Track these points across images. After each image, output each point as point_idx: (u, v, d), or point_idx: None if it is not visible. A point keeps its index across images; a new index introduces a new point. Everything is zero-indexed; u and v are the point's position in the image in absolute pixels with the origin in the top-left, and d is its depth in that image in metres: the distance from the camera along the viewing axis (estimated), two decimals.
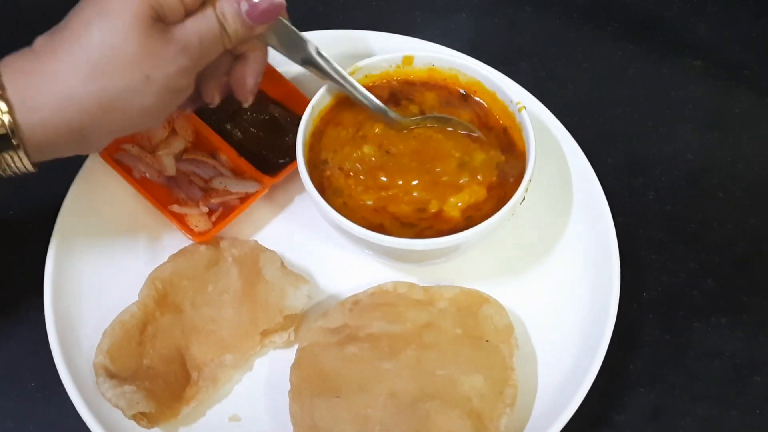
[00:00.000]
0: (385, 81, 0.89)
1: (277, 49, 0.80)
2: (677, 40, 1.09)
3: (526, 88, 0.94)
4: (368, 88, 0.84)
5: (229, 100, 0.89)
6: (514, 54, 1.05)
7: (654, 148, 0.99)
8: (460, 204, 0.80)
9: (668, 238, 0.93)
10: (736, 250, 0.92)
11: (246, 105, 0.81)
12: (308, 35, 0.92)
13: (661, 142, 1.00)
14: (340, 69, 0.83)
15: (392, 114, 0.84)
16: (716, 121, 1.02)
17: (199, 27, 0.70)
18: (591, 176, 0.89)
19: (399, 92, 0.88)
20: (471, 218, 0.79)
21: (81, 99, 0.67)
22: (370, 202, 0.81)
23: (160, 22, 0.68)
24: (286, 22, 0.78)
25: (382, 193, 0.81)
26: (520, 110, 0.83)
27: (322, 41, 0.95)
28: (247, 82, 0.79)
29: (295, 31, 0.80)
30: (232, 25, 0.72)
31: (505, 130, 0.85)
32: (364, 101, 0.84)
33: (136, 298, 0.82)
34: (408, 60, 0.88)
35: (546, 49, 1.08)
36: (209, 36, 0.71)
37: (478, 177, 0.81)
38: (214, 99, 0.80)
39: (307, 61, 0.82)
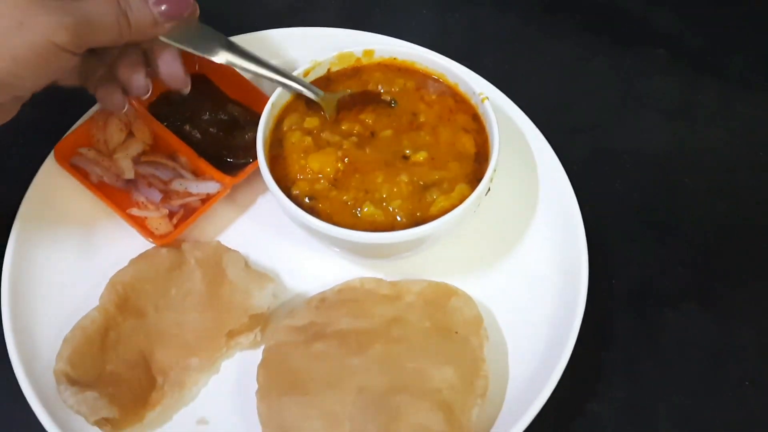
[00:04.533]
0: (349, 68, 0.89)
1: (191, 51, 0.80)
2: (640, 29, 1.11)
3: (490, 82, 0.95)
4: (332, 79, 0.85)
5: (186, 101, 0.89)
6: (476, 50, 1.06)
7: (619, 137, 1.00)
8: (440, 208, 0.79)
9: (636, 226, 0.93)
10: (705, 236, 0.93)
11: (186, 92, 0.82)
12: (272, 32, 0.93)
13: (626, 131, 1.01)
14: (253, 65, 0.83)
15: (313, 92, 0.84)
16: (681, 109, 1.03)
17: (95, 8, 0.70)
18: (557, 166, 0.90)
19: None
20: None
21: None
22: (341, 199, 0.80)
23: None
24: (198, 22, 0.79)
25: (349, 193, 0.81)
26: (482, 101, 0.83)
27: (288, 39, 0.97)
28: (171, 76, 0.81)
29: (206, 28, 0.81)
30: (136, 15, 0.72)
31: (474, 116, 0.85)
32: (289, 87, 0.84)
33: (97, 304, 0.81)
34: (368, 53, 0.88)
35: (508, 44, 1.09)
36: (103, 20, 0.71)
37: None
38: (131, 87, 0.80)
39: (224, 58, 0.82)
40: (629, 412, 0.82)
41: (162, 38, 0.77)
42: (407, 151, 0.82)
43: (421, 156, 0.81)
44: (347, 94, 0.85)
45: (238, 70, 0.83)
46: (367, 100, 0.86)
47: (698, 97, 1.04)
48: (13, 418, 0.80)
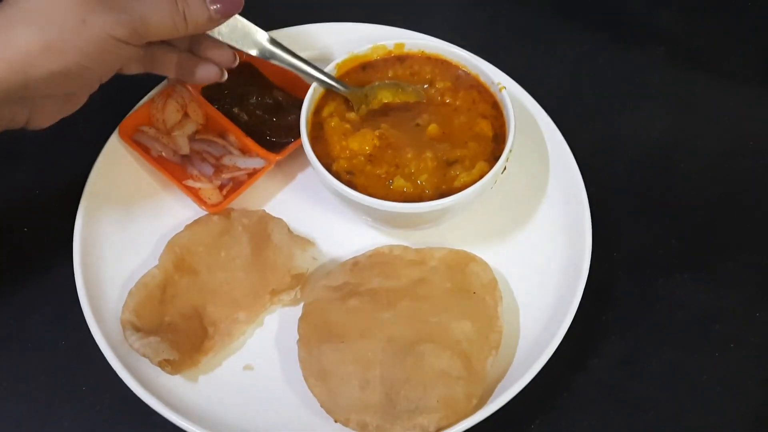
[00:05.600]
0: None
1: (234, 46, 0.88)
2: (642, 29, 1.16)
3: (507, 74, 1.01)
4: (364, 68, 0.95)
5: (235, 87, 0.98)
6: (494, 45, 1.11)
7: (622, 126, 1.06)
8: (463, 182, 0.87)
9: (636, 205, 1.00)
10: (697, 214, 0.99)
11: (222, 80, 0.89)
12: (304, 28, 1.00)
13: (628, 120, 1.06)
14: (291, 58, 0.91)
15: (345, 87, 0.92)
16: (678, 101, 1.08)
17: (152, 6, 0.76)
18: (566, 151, 0.97)
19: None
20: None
21: (21, 39, 0.71)
22: (375, 173, 0.88)
23: None
24: (238, 17, 0.86)
25: (382, 168, 0.89)
26: (501, 90, 0.91)
27: (320, 33, 1.03)
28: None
29: (247, 24, 0.88)
30: (193, 12, 0.78)
31: (494, 104, 0.93)
32: (323, 81, 0.92)
33: (157, 263, 0.90)
34: (399, 47, 0.96)
35: (523, 40, 1.15)
36: (159, 18, 0.76)
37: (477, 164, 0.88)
38: (220, 62, 0.88)
39: (265, 53, 0.89)
40: (625, 367, 0.89)
41: (209, 33, 0.85)
42: (429, 126, 0.90)
43: (434, 129, 0.90)
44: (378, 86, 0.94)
45: (275, 63, 0.91)
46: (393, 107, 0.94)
47: (695, 91, 1.09)
48: (85, 361, 0.87)
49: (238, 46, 0.88)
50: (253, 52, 0.89)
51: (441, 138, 0.90)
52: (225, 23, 0.84)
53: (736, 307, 0.93)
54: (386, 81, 0.95)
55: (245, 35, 0.88)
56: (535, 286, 0.91)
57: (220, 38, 0.87)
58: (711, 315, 0.92)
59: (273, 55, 0.90)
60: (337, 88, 0.92)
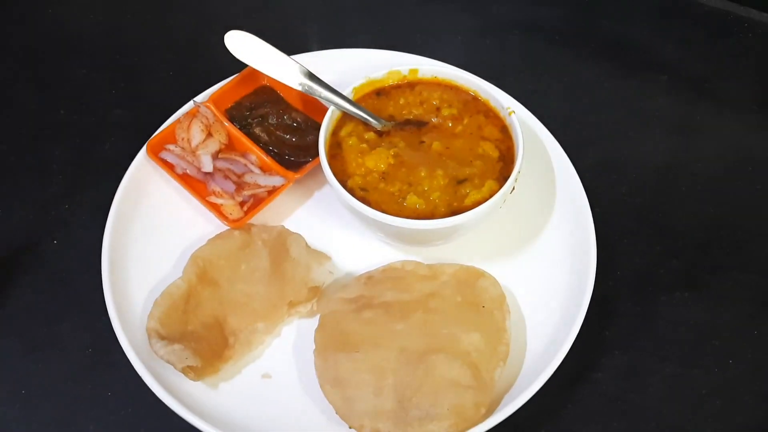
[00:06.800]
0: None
1: (275, 77, 0.92)
2: (646, 58, 1.19)
3: (516, 99, 1.05)
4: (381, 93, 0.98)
5: (256, 108, 1.02)
6: (504, 71, 1.15)
7: (626, 150, 1.09)
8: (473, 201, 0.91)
9: (638, 225, 1.03)
10: (696, 235, 1.02)
11: None
12: (325, 53, 1.04)
13: (631, 144, 1.10)
14: (326, 92, 0.95)
15: (374, 121, 0.96)
16: (679, 127, 1.12)
17: None
18: (572, 173, 1.00)
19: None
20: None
21: None
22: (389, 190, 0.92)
23: None
24: (277, 51, 0.91)
25: (395, 186, 0.92)
26: (510, 114, 0.95)
27: (339, 58, 1.07)
28: None
29: (287, 58, 0.93)
30: None
31: (503, 128, 0.97)
32: (353, 113, 0.96)
33: (181, 274, 0.93)
34: (414, 72, 1.00)
35: (532, 67, 1.18)
36: None
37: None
38: None
39: (302, 84, 0.94)
40: (627, 380, 0.91)
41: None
42: (433, 144, 0.94)
43: (438, 147, 0.94)
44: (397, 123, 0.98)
45: (310, 94, 0.95)
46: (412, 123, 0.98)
47: (695, 117, 1.13)
48: (111, 367, 0.90)
49: (280, 79, 0.92)
50: (295, 85, 0.93)
51: (446, 154, 0.94)
52: (270, 59, 0.89)
53: (734, 323, 0.96)
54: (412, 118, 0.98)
55: (287, 68, 0.93)
56: (542, 301, 0.94)
57: (265, 72, 0.91)
58: (710, 331, 0.95)
59: (311, 89, 0.94)
60: (370, 122, 0.96)
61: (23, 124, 1.13)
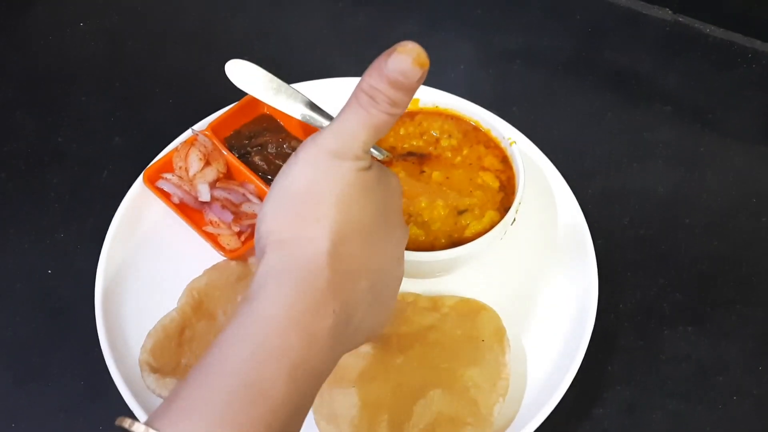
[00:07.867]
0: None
1: (277, 107, 0.91)
2: (649, 89, 1.19)
3: (518, 129, 1.05)
4: None
5: (255, 137, 1.02)
6: (506, 101, 1.14)
7: (629, 181, 1.09)
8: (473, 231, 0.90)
9: (641, 258, 1.02)
10: (700, 268, 1.01)
11: None
12: (320, 83, 1.03)
13: (635, 176, 1.09)
14: (328, 122, 0.92)
15: (375, 152, 0.95)
16: (683, 158, 1.11)
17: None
18: (574, 204, 1.00)
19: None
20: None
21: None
22: None
23: None
24: (279, 80, 0.91)
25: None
26: (511, 144, 0.95)
27: (341, 87, 1.06)
28: None
29: (289, 87, 0.92)
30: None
31: (503, 159, 0.96)
32: None
33: (176, 306, 0.92)
34: (415, 102, 0.99)
35: (534, 97, 1.18)
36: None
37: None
38: None
39: (304, 114, 0.93)
40: (629, 416, 0.90)
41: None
42: (433, 173, 0.93)
43: (438, 176, 0.93)
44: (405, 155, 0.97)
45: (311, 124, 0.93)
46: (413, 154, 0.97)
47: (699, 149, 1.12)
48: (103, 400, 0.89)
49: (282, 109, 0.91)
50: (296, 115, 0.92)
51: (446, 184, 0.93)
52: (271, 88, 0.89)
53: (739, 359, 0.95)
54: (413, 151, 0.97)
55: (285, 95, 0.92)
56: (543, 335, 0.93)
57: (267, 101, 0.91)
58: (713, 367, 0.94)
59: (312, 119, 0.93)
60: (372, 153, 0.95)
61: (21, 150, 1.13)
